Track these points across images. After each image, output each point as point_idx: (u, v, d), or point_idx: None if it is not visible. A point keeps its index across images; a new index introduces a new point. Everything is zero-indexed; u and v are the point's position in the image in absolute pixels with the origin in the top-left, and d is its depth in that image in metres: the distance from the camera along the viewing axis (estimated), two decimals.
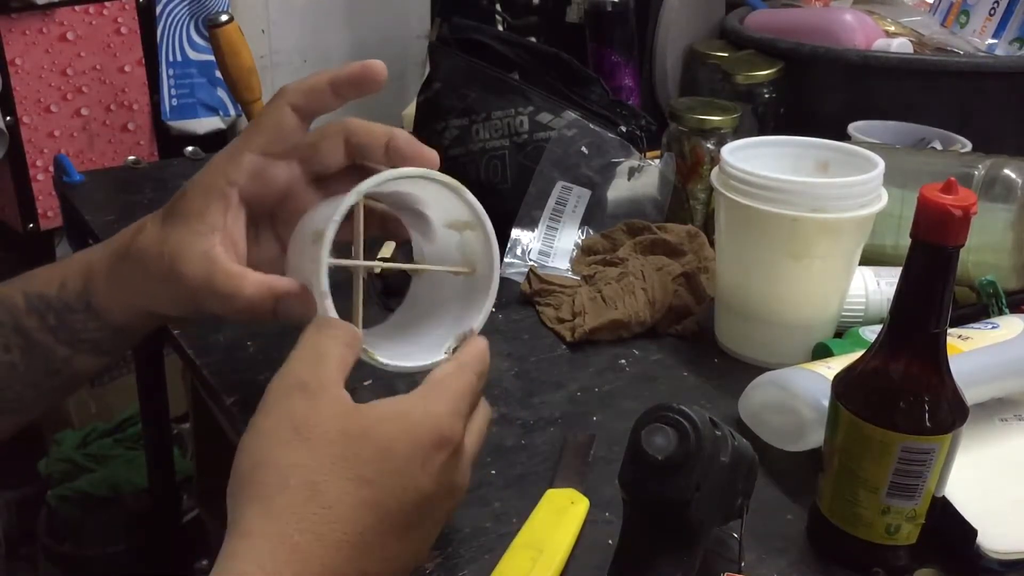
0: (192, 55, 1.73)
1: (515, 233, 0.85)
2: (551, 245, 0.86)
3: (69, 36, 1.56)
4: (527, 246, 0.85)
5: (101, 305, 0.57)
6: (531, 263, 0.84)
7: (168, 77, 1.72)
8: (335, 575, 0.41)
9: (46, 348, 0.58)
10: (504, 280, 0.79)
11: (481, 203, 0.54)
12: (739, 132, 0.87)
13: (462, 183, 0.53)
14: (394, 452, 0.43)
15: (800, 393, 0.60)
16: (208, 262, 0.53)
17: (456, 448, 0.45)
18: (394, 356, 0.51)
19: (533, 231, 0.86)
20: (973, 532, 0.52)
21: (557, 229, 0.86)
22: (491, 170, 0.88)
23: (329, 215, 0.49)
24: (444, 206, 0.55)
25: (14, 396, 0.59)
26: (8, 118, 1.52)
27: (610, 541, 0.51)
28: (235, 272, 0.53)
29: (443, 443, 0.44)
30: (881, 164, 0.68)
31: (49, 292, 0.58)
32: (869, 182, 0.66)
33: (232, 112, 1.99)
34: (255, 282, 0.52)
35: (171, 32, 1.69)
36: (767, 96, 1.03)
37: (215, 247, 0.53)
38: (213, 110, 1.92)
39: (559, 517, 0.54)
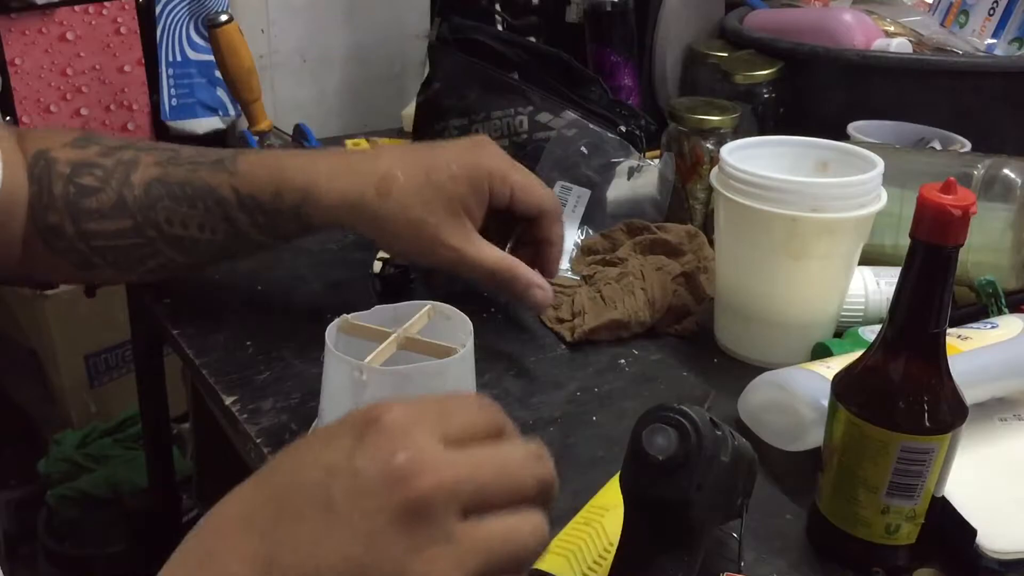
0: (192, 55, 1.73)
1: None
2: None
3: (69, 36, 1.56)
4: None
5: (315, 223, 0.67)
6: None
7: (168, 77, 1.72)
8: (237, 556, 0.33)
9: (248, 238, 0.68)
10: None
11: None
12: (739, 132, 0.87)
13: None
14: (293, 448, 0.37)
15: (800, 393, 0.60)
16: (466, 239, 0.66)
17: (374, 420, 0.35)
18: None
19: None
20: (972, 532, 0.52)
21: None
22: None
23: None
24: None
25: (209, 259, 0.71)
26: (8, 118, 1.52)
27: None
28: (487, 252, 0.67)
29: (348, 420, 0.36)
30: (880, 164, 0.68)
31: (262, 197, 0.66)
32: (868, 182, 0.66)
33: (232, 112, 1.99)
34: (499, 258, 0.67)
35: (171, 32, 1.69)
36: (766, 96, 1.03)
37: (473, 231, 0.67)
38: (213, 110, 1.92)
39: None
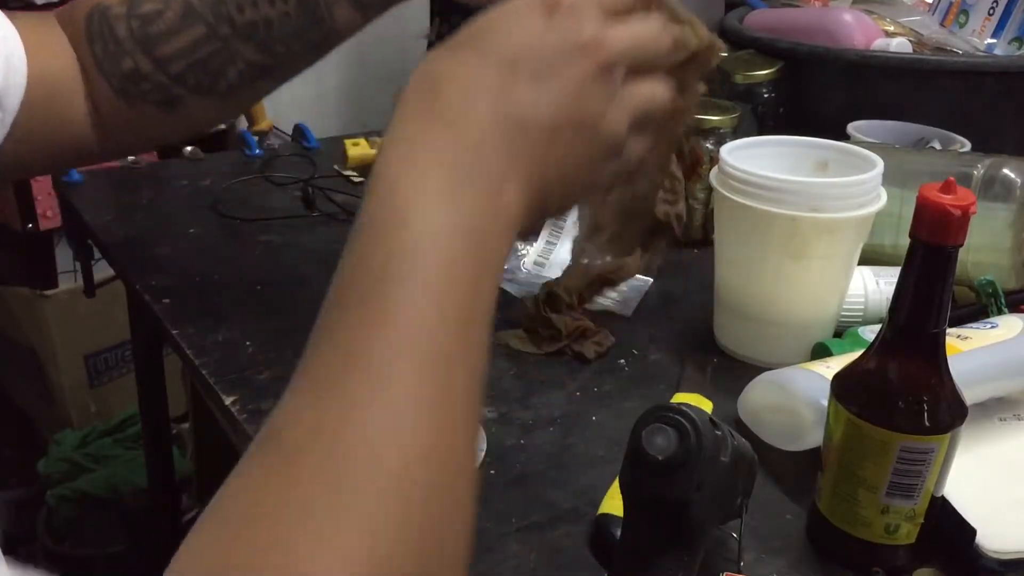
0: None
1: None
2: (547, 257, 0.86)
3: None
4: (522, 255, 0.85)
5: None
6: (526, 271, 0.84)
7: None
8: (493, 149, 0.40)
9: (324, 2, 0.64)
10: (502, 291, 0.78)
11: None
12: (738, 132, 0.87)
13: None
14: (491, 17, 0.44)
15: (799, 393, 0.60)
16: None
17: (556, 4, 0.42)
18: None
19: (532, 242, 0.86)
20: (972, 531, 0.52)
21: (556, 241, 0.86)
22: None
23: None
24: None
25: (283, 50, 0.65)
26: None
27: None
28: None
29: (525, 4, 0.43)
30: (880, 164, 0.68)
31: None
32: (868, 182, 0.66)
33: None
34: None
35: None
36: (766, 96, 1.03)
37: None
38: None
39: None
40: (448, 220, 0.37)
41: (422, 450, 0.33)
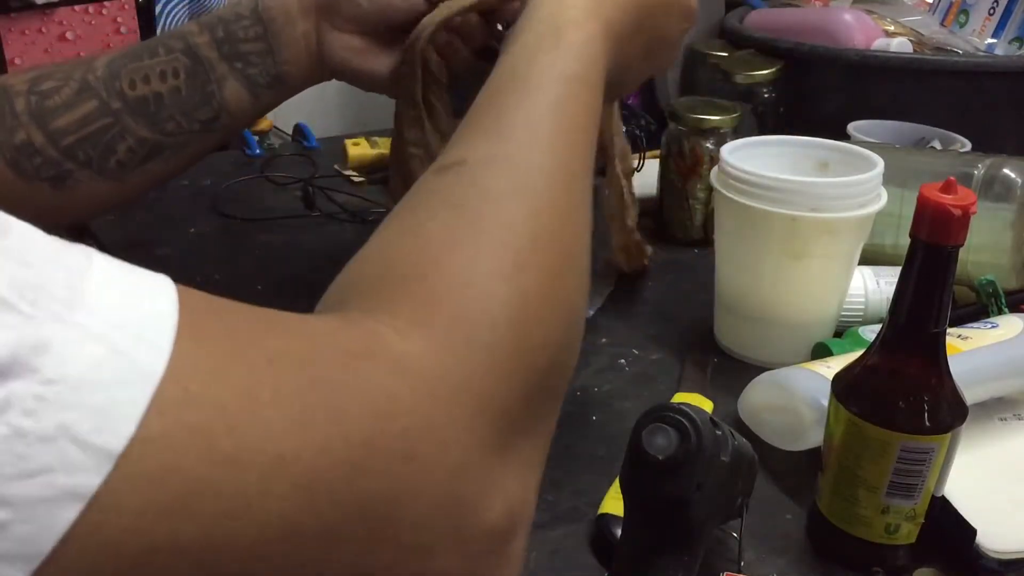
0: None
1: None
2: None
3: (68, 36, 1.56)
4: None
5: (277, 25, 0.65)
6: None
7: None
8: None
9: (208, 65, 0.65)
10: None
11: None
12: (739, 132, 0.87)
13: None
14: None
15: (800, 393, 0.60)
16: None
17: None
18: None
19: None
20: (972, 531, 0.52)
21: None
22: None
23: None
24: None
25: (173, 127, 0.66)
26: None
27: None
28: None
29: None
30: (880, 164, 0.68)
31: (223, 13, 0.66)
32: (868, 182, 0.66)
33: None
34: None
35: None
36: (767, 96, 1.03)
37: None
38: None
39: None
40: (591, 34, 0.47)
41: (558, 184, 0.40)
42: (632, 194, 0.78)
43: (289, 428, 0.27)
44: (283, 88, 0.67)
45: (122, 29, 1.62)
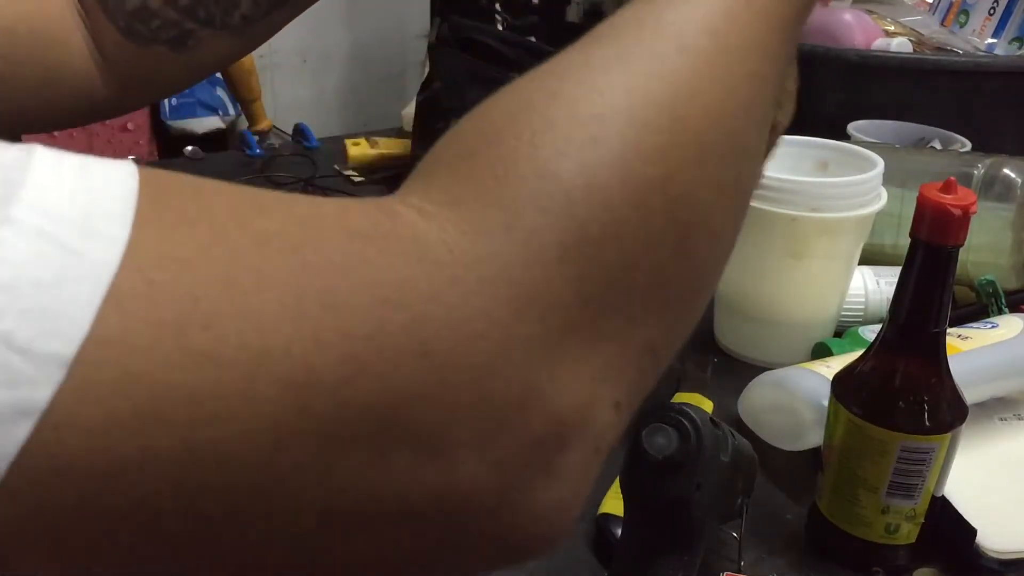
0: None
1: None
2: None
3: None
4: None
5: None
6: None
7: None
8: None
9: None
10: None
11: None
12: None
13: None
14: None
15: (800, 393, 0.60)
16: None
17: None
18: None
19: None
20: (972, 531, 0.52)
21: None
22: None
23: None
24: None
25: (239, 19, 0.62)
26: None
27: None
28: None
29: None
30: (880, 164, 0.68)
31: None
32: (868, 182, 0.66)
33: (232, 111, 1.99)
34: None
35: None
36: None
37: None
38: (212, 109, 1.92)
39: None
40: None
41: (722, 46, 0.31)
42: None
43: (276, 319, 0.23)
44: None
45: None
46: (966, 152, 0.89)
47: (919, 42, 1.09)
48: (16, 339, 0.20)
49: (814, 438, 0.56)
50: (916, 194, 0.47)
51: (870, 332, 0.69)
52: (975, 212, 0.46)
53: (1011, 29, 1.13)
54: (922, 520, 0.51)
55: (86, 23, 0.61)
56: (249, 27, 0.63)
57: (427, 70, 0.96)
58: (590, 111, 0.28)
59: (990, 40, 1.14)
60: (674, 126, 0.29)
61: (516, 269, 0.26)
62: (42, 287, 0.20)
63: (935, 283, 0.47)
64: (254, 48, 0.66)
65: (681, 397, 0.66)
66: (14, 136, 0.60)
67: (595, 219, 0.27)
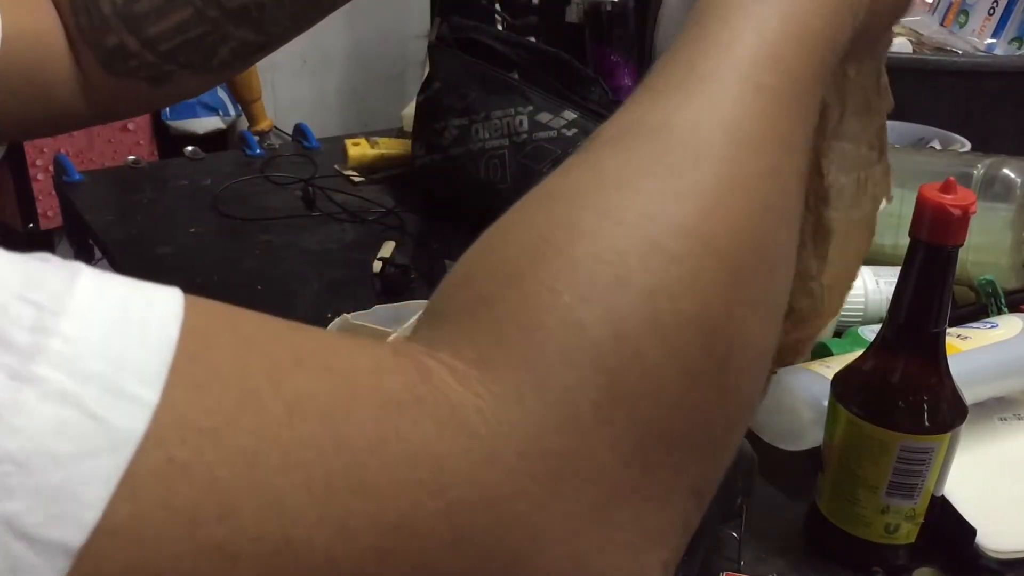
0: None
1: None
2: None
3: None
4: None
5: None
6: None
7: None
8: None
9: None
10: None
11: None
12: None
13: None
14: None
15: (799, 393, 0.60)
16: None
17: None
18: None
19: None
20: (972, 531, 0.52)
21: None
22: (491, 170, 0.88)
23: None
24: None
25: (279, 30, 0.62)
26: None
27: None
28: None
29: None
30: None
31: None
32: None
33: (232, 112, 1.99)
34: None
35: None
36: None
37: None
38: (213, 110, 1.92)
39: None
40: None
41: (741, 147, 0.29)
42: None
43: (300, 504, 0.21)
44: None
45: None
46: (966, 152, 0.89)
47: (919, 42, 1.10)
48: (23, 523, 0.19)
49: (814, 438, 0.57)
50: (916, 194, 0.47)
51: (870, 332, 0.69)
52: (975, 212, 0.46)
53: (1011, 29, 1.14)
54: (922, 520, 0.51)
55: (72, 48, 0.62)
56: (228, 68, 0.64)
57: (427, 70, 0.96)
58: (611, 246, 0.26)
59: (990, 40, 1.14)
60: (700, 250, 0.27)
61: (553, 437, 0.24)
62: (59, 462, 0.19)
63: (935, 283, 0.48)
64: (230, 79, 0.67)
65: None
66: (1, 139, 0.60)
67: (627, 370, 0.25)
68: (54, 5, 0.63)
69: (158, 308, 0.22)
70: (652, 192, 0.28)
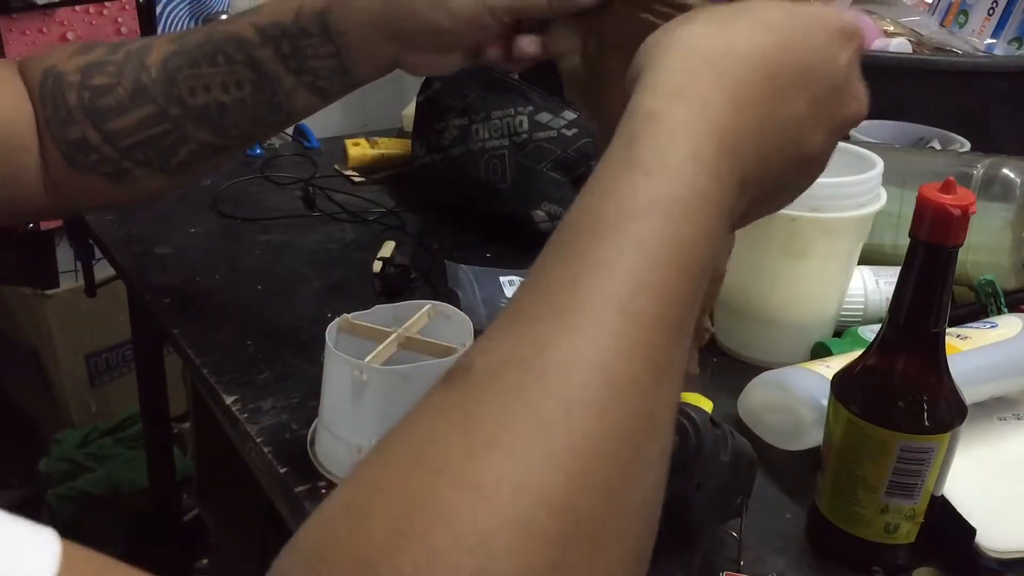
0: None
1: None
2: None
3: (69, 36, 1.56)
4: None
5: (348, 37, 0.60)
6: None
7: None
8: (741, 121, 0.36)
9: (275, 79, 0.61)
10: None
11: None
12: None
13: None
14: (800, 15, 0.40)
15: (799, 393, 0.60)
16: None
17: (859, 46, 0.41)
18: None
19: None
20: (972, 531, 0.52)
21: None
22: (491, 169, 0.88)
23: None
24: None
25: (237, 133, 0.63)
26: None
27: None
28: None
29: (848, 32, 0.40)
30: (880, 164, 0.68)
31: (284, 20, 0.61)
32: (868, 182, 0.66)
33: None
34: None
35: (171, 32, 1.69)
36: None
37: None
38: None
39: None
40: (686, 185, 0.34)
41: (613, 391, 0.30)
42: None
43: None
44: (353, 88, 0.64)
45: (123, 29, 1.62)
46: (965, 152, 0.89)
47: (918, 42, 1.10)
48: None
49: (814, 438, 0.57)
50: (915, 194, 0.47)
51: (870, 332, 0.69)
52: (974, 212, 0.46)
53: (1010, 29, 1.14)
54: (921, 520, 0.51)
55: (39, 139, 0.63)
56: (185, 171, 0.65)
57: None
58: (475, 529, 0.26)
59: (989, 40, 1.14)
60: (570, 528, 0.27)
61: None
62: None
63: (934, 283, 0.48)
64: (189, 185, 0.67)
65: (681, 397, 0.66)
66: None
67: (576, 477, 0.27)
68: (28, 97, 0.63)
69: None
70: (522, 453, 0.27)
